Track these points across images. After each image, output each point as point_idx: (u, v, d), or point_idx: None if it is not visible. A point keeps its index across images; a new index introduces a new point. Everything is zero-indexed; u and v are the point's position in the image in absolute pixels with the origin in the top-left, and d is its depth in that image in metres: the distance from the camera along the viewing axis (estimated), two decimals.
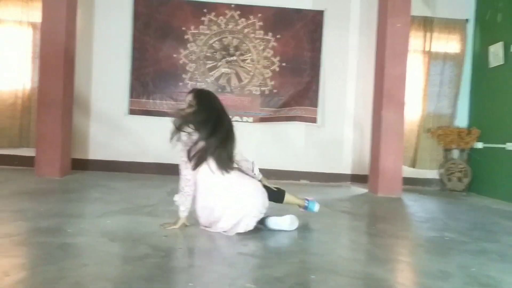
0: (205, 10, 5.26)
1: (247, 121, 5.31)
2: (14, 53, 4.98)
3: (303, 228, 2.69)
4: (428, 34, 5.49)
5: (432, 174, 5.62)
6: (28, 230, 2.23)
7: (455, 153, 5.50)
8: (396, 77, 4.56)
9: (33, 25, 5.02)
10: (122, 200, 3.30)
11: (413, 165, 5.53)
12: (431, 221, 3.28)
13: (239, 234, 2.38)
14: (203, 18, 5.27)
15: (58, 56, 4.31)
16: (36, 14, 4.98)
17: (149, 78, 5.24)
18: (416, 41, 5.45)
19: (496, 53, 5.00)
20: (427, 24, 5.47)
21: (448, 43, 5.54)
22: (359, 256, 2.18)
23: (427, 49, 5.50)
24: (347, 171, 5.53)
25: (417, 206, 4.06)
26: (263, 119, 5.33)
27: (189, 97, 2.46)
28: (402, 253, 2.36)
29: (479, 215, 3.71)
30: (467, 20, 5.55)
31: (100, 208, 2.94)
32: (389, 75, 4.56)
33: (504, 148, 4.76)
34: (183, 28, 5.26)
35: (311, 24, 5.38)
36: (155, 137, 5.28)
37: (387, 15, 4.56)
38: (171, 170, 5.22)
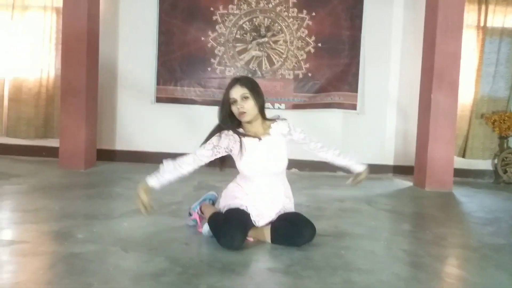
0: None
1: (279, 108, 4.93)
2: (38, 39, 4.82)
3: (344, 233, 2.34)
4: (482, 7, 4.87)
5: (485, 164, 5.06)
6: (35, 236, 2.00)
7: None
8: (449, 55, 4.03)
9: (57, 10, 4.83)
10: None
11: (462, 154, 4.99)
12: (493, 224, 2.83)
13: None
14: None
15: (81, 42, 4.07)
16: None
17: (176, 64, 4.94)
18: (468, 15, 4.83)
19: None
20: None
21: (506, 17, 4.90)
22: (419, 273, 1.79)
23: (481, 24, 4.88)
24: (389, 162, 5.06)
25: (473, 204, 3.58)
26: (296, 106, 4.93)
27: (240, 90, 2.04)
28: (468, 269, 1.95)
29: None
30: None
31: (119, 207, 2.70)
32: (441, 53, 4.03)
33: None
34: (211, 9, 4.90)
35: (350, 0, 4.89)
36: (183, 126, 5.02)
37: None
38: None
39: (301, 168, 4.98)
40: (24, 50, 4.83)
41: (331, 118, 5.01)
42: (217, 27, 4.92)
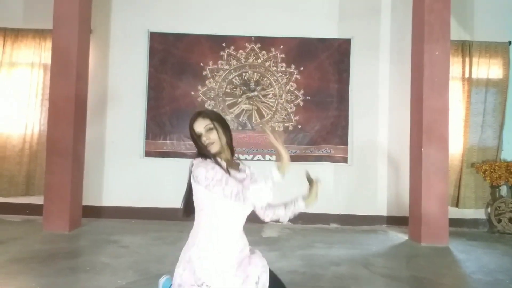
0: (223, 44, 4.95)
1: (270, 160, 4.90)
2: (24, 95, 4.78)
3: None
4: (467, 60, 5.01)
5: (478, 214, 5.02)
6: None
7: (504, 190, 4.90)
8: (437, 110, 4.08)
9: (45, 66, 4.83)
10: (131, 267, 2.91)
11: (456, 204, 4.96)
12: None
13: None
14: (221, 53, 4.96)
15: (69, 102, 4.03)
16: (48, 55, 4.76)
17: (165, 118, 4.93)
18: (453, 67, 4.96)
19: None
20: (465, 48, 5.00)
21: (489, 68, 5.04)
22: None
23: (466, 75, 5.01)
24: (382, 213, 4.99)
25: (471, 262, 3.50)
26: None
27: (203, 122, 1.92)
28: None
29: None
30: (510, 42, 5.06)
31: (104, 283, 2.54)
32: (429, 108, 4.09)
33: None
34: (201, 64, 4.95)
35: (337, 54, 4.99)
36: (172, 180, 4.90)
37: (423, 41, 4.13)
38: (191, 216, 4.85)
39: (294, 221, 4.87)
40: (10, 106, 4.78)
41: (323, 170, 4.96)
42: (207, 81, 4.95)
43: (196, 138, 1.92)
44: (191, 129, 1.95)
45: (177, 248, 3.40)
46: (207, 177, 1.75)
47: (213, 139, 1.91)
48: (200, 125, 1.93)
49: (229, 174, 1.83)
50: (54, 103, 4.04)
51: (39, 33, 4.85)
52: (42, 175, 4.57)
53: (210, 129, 1.92)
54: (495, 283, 2.88)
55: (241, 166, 1.99)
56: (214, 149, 1.91)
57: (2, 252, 3.20)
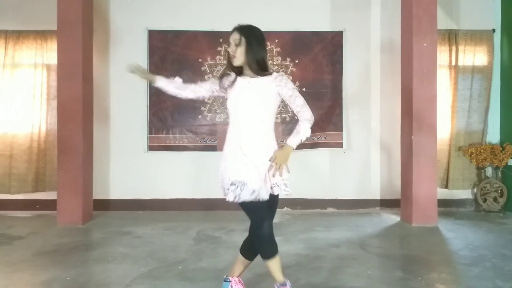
0: (220, 40, 5.13)
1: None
2: (29, 95, 4.93)
3: (349, 286, 2.50)
4: (453, 48, 5.25)
5: (465, 194, 5.35)
6: None
7: (489, 171, 5.23)
8: (426, 99, 4.34)
9: (48, 67, 4.97)
10: (150, 256, 3.17)
11: (445, 186, 5.27)
12: (478, 264, 3.06)
13: None
14: (219, 48, 5.14)
15: (77, 103, 4.21)
16: (50, 56, 4.93)
17: (167, 113, 5.12)
18: (441, 56, 5.21)
19: None
20: (452, 37, 5.23)
21: (475, 56, 5.29)
22: None
23: (453, 63, 5.25)
24: (376, 196, 5.30)
25: (458, 240, 3.82)
26: None
27: (234, 35, 2.18)
28: None
29: None
30: (493, 30, 5.30)
31: (128, 271, 2.80)
32: (418, 97, 4.34)
33: None
34: (200, 60, 5.14)
35: (330, 46, 5.20)
36: (175, 172, 5.17)
37: (412, 34, 4.35)
38: (193, 205, 5.12)
39: (293, 207, 5.17)
40: (15, 106, 4.93)
41: (319, 156, 5.24)
42: (206, 76, 5.14)
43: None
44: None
45: (187, 237, 3.73)
46: None
47: (235, 53, 2.14)
48: (232, 37, 2.18)
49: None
50: (63, 105, 4.22)
51: (40, 34, 4.96)
52: (52, 171, 4.79)
53: (237, 43, 2.14)
54: (479, 259, 3.19)
55: (266, 77, 2.17)
56: (235, 62, 2.16)
57: (26, 246, 3.43)
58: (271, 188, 2.16)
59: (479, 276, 2.79)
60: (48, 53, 4.96)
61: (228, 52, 2.18)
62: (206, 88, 2.31)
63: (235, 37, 2.14)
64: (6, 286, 2.57)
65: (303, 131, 2.16)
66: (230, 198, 2.06)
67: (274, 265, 2.09)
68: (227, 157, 2.15)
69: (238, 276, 2.30)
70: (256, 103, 2.14)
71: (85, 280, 2.63)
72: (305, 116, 2.17)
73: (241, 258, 2.28)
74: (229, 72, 2.25)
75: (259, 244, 2.11)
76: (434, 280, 2.69)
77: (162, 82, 2.33)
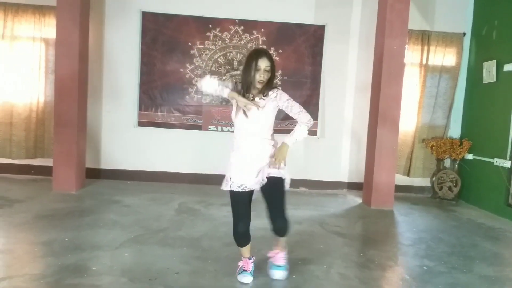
0: (210, 26, 5.46)
1: None
2: (28, 68, 5.24)
3: (296, 258, 3.02)
4: (425, 48, 5.68)
5: (425, 182, 5.93)
6: (58, 270, 2.58)
7: (448, 163, 5.79)
8: (391, 97, 4.80)
9: (46, 41, 5.26)
10: (136, 224, 3.65)
11: (407, 173, 5.84)
12: (416, 244, 3.62)
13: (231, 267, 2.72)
14: (208, 34, 5.48)
15: (73, 79, 4.57)
16: (48, 30, 5.22)
17: (157, 92, 5.50)
18: (414, 54, 5.66)
19: (489, 70, 5.20)
20: (425, 38, 5.66)
21: (444, 56, 5.74)
22: None
23: (424, 62, 5.70)
24: (344, 179, 5.85)
25: (406, 223, 4.39)
26: None
27: (266, 62, 2.41)
28: None
29: (461, 234, 4.03)
30: (464, 33, 5.72)
31: (118, 236, 3.29)
32: (385, 95, 4.80)
33: (492, 162, 5.04)
34: (189, 43, 5.48)
35: (312, 39, 5.58)
36: (162, 147, 5.61)
37: (384, 36, 4.76)
38: (178, 179, 5.59)
39: None
40: (14, 77, 5.24)
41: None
42: (194, 60, 5.50)
43: (253, 69, 2.39)
44: (255, 61, 2.40)
45: (170, 208, 4.24)
46: None
47: (265, 80, 2.42)
48: (264, 63, 2.40)
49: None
50: (60, 81, 4.57)
51: (38, 9, 5.23)
52: (50, 140, 5.19)
53: (268, 71, 2.41)
54: (418, 240, 3.74)
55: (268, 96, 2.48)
56: (261, 86, 2.43)
57: (26, 210, 3.88)
58: (264, 179, 2.49)
59: (413, 255, 3.35)
60: (46, 28, 5.25)
61: (250, 74, 2.40)
62: (230, 87, 2.54)
63: (266, 64, 2.40)
64: (14, 243, 3.03)
65: (299, 132, 2.54)
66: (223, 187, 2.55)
67: (244, 249, 2.68)
68: (231, 160, 2.56)
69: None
70: (263, 120, 2.49)
71: (80, 242, 3.10)
72: (303, 120, 2.53)
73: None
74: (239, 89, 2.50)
75: (234, 236, 2.59)
76: (372, 256, 3.23)
77: (227, 89, 2.51)
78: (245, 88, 2.48)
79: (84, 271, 2.58)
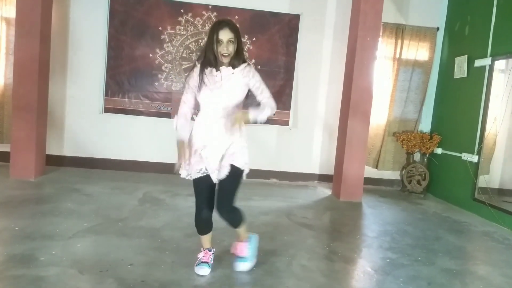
0: (182, 11, 5.29)
1: None
2: None
3: (261, 249, 2.94)
4: (399, 42, 5.67)
5: (395, 175, 5.97)
6: (3, 260, 2.42)
7: (417, 157, 5.83)
8: (363, 89, 4.77)
9: (7, 20, 4.99)
10: (94, 213, 3.49)
11: (376, 166, 5.85)
12: (381, 237, 3.61)
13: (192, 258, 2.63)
14: (179, 19, 5.30)
15: (33, 61, 4.33)
16: (9, 9, 4.94)
17: (124, 77, 5.31)
18: (388, 48, 5.65)
19: (460, 65, 5.24)
20: (399, 31, 5.65)
21: (418, 51, 5.75)
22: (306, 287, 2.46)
23: (397, 56, 5.70)
24: (315, 171, 5.82)
25: (373, 215, 4.39)
26: None
27: (229, 33, 2.22)
28: (344, 284, 2.65)
29: (426, 227, 4.05)
30: (438, 28, 5.74)
31: (73, 225, 3.13)
32: (357, 87, 4.76)
33: (460, 157, 5.10)
34: (160, 28, 5.29)
35: (286, 28, 5.48)
36: (129, 135, 5.43)
37: (358, 28, 4.71)
38: (145, 168, 5.44)
39: None
40: None
41: (267, 132, 5.65)
42: (165, 45, 5.32)
43: (214, 43, 2.20)
44: (215, 33, 2.20)
45: (133, 197, 4.09)
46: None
47: (230, 52, 2.23)
48: (225, 35, 2.20)
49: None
50: (19, 62, 4.32)
51: None
52: (9, 125, 4.93)
53: (232, 42, 2.22)
54: (383, 233, 3.74)
55: (237, 68, 2.29)
56: (226, 60, 2.25)
57: None
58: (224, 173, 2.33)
59: (377, 247, 3.33)
60: (7, 7, 4.96)
61: (212, 48, 2.22)
62: (190, 99, 2.37)
63: (230, 36, 2.21)
64: None
65: (264, 113, 2.36)
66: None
67: (205, 239, 2.56)
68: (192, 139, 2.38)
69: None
70: (231, 92, 2.29)
71: (31, 230, 2.94)
72: (271, 105, 2.39)
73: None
74: (197, 64, 2.32)
75: (196, 222, 2.48)
76: (336, 248, 3.19)
77: (183, 137, 2.38)
78: (209, 63, 2.27)
79: (30, 261, 2.43)
